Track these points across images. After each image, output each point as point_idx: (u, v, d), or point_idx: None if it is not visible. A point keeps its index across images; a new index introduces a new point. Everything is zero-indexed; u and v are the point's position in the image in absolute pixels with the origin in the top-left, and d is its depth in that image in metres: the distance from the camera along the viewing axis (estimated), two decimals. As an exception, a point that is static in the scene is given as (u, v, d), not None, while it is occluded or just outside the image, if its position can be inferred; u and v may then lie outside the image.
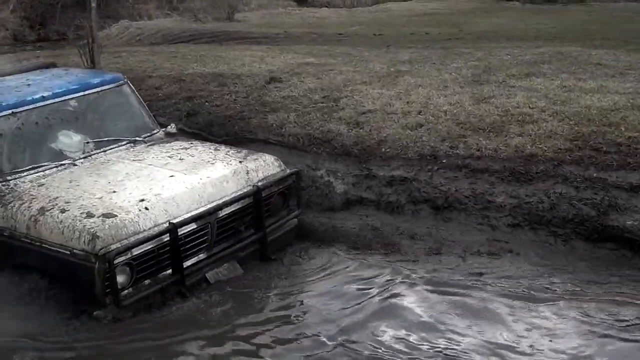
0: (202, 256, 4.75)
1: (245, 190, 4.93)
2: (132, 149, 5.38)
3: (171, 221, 4.48)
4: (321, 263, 5.30)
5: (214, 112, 8.03)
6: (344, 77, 9.18)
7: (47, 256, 4.38)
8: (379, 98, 7.79)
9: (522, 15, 21.08)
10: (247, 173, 5.07)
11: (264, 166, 5.20)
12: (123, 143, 5.43)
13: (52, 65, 6.33)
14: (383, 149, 6.49)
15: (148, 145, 5.47)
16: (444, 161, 6.06)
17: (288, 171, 5.29)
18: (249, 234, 5.03)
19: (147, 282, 4.46)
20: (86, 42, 10.11)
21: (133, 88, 5.89)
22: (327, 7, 30.32)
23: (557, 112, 6.51)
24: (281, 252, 5.34)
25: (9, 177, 4.85)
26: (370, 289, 4.82)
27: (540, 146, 5.87)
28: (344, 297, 4.75)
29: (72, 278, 4.32)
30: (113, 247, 4.20)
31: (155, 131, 5.73)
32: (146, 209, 4.47)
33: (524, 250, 5.12)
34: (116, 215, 4.36)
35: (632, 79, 7.68)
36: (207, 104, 8.37)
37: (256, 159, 5.24)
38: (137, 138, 5.53)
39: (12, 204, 4.63)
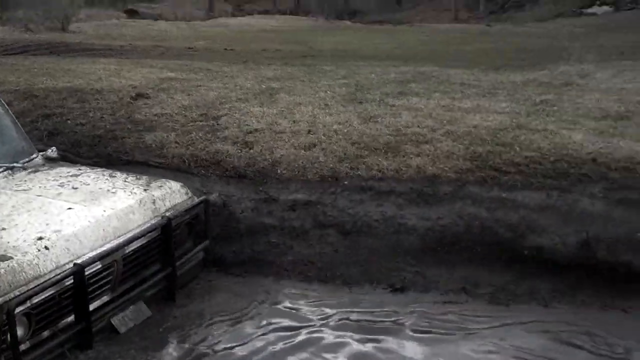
0: (105, 299, 4.17)
1: (153, 222, 4.42)
2: (11, 178, 4.67)
3: (76, 261, 3.88)
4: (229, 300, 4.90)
5: (79, 132, 7.30)
6: (216, 93, 8.79)
7: None
8: (262, 116, 7.49)
9: (361, 34, 21.76)
10: (154, 202, 4.56)
11: (171, 194, 4.72)
12: (-1, 170, 4.70)
13: None
14: (279, 171, 6.19)
15: (29, 173, 4.77)
16: (346, 183, 5.88)
17: (196, 199, 4.84)
18: (156, 270, 4.51)
19: (46, 333, 3.82)
20: None
21: (5, 105, 5.15)
22: (157, 19, 29.53)
23: (449, 131, 6.58)
24: (187, 287, 4.86)
25: None
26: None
27: (441, 166, 5.87)
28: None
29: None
30: (12, 295, 3.55)
31: (33, 156, 5.03)
32: (46, 248, 3.84)
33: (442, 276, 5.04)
34: (12, 258, 3.70)
35: (504, 99, 8.01)
36: (69, 122, 7.60)
37: (161, 186, 4.74)
38: (14, 164, 4.81)
39: None
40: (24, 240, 3.85)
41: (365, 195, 5.69)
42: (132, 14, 31.86)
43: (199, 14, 33.38)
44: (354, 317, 4.66)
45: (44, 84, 9.36)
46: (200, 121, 7.50)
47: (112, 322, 4.15)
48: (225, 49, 15.42)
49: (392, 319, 4.62)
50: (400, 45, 16.49)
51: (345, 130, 6.85)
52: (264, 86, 9.38)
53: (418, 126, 6.83)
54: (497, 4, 30.73)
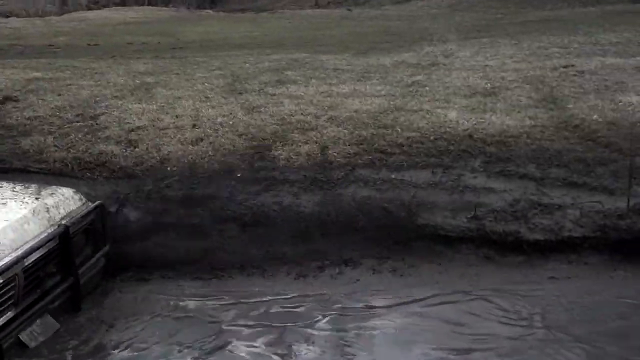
0: (10, 314, 4.01)
1: (50, 231, 4.29)
2: None
3: (-25, 279, 3.72)
4: (137, 304, 4.85)
5: (-58, 141, 6.86)
6: (89, 92, 8.52)
7: None
8: (142, 113, 7.36)
9: (225, 23, 21.67)
10: (48, 211, 4.42)
11: (64, 201, 4.58)
12: None
13: None
14: (168, 168, 6.14)
15: None
16: (239, 175, 5.94)
17: (90, 205, 4.73)
18: (58, 280, 4.38)
19: (-50, 356, 3.65)
20: None
21: None
22: (8, 16, 27.97)
23: (332, 117, 6.79)
24: (92, 294, 4.76)
25: None
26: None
27: (330, 152, 6.06)
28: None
29: None
30: None
31: None
32: (-58, 268, 3.66)
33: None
34: None
35: (378, 82, 8.33)
36: None
37: (53, 193, 4.59)
38: None
39: None
40: None
41: (260, 187, 5.77)
42: (-26, 11, 29.87)
43: (52, 8, 31.84)
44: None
45: None
46: (78, 122, 7.26)
47: (21, 337, 4.00)
48: (89, 44, 14.89)
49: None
50: (267, 33, 16.60)
51: (231, 122, 6.89)
52: (138, 81, 9.19)
53: (302, 114, 6.98)
54: (355, -13, 31.47)
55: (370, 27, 17.20)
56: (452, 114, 6.57)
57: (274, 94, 7.91)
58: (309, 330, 4.42)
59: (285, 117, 6.90)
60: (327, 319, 4.57)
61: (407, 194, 5.40)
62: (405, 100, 7.27)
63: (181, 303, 4.93)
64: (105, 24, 21.53)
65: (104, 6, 34.36)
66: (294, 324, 4.50)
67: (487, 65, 8.85)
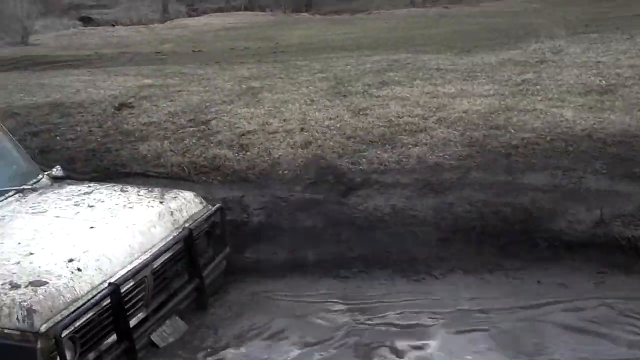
0: (141, 316, 4.19)
1: (176, 234, 4.44)
2: (23, 200, 4.63)
3: (110, 281, 3.89)
4: (258, 303, 4.95)
5: (72, 147, 7.24)
6: (199, 97, 8.77)
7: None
8: (252, 118, 7.51)
9: (322, 26, 21.76)
10: (172, 214, 4.58)
11: (186, 204, 4.74)
12: (10, 194, 4.66)
13: None
14: (280, 171, 6.25)
15: (40, 194, 4.74)
16: (349, 178, 5.96)
17: (211, 207, 4.86)
18: (184, 282, 4.54)
19: (91, 355, 3.83)
20: None
21: (5, 129, 5.11)
22: (113, 25, 29.13)
23: (440, 118, 6.70)
24: (215, 296, 4.90)
25: None
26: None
27: (440, 155, 5.99)
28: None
29: (4, 364, 3.59)
30: (56, 320, 3.55)
31: (39, 176, 5.00)
32: (79, 269, 3.85)
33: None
34: (47, 282, 3.69)
35: (485, 81, 8.15)
36: (58, 138, 7.53)
37: (175, 197, 4.76)
38: (24, 187, 4.78)
39: None
40: (55, 263, 3.85)
41: (372, 189, 5.77)
42: (87, 21, 31.34)
43: (154, 16, 32.93)
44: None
45: (22, 100, 9.22)
46: (191, 127, 7.49)
47: (152, 338, 4.17)
48: (193, 51, 15.33)
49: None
50: (364, 34, 16.56)
51: (338, 125, 6.92)
52: (244, 86, 9.38)
53: (409, 115, 6.93)
54: (451, -15, 30.92)
55: (471, 25, 16.88)
56: (568, 113, 6.35)
57: (379, 96, 7.88)
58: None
59: (393, 118, 6.87)
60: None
61: (525, 198, 5.26)
62: (516, 100, 7.08)
63: (298, 303, 4.98)
64: (206, 30, 22.09)
65: (203, 12, 35.26)
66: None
67: (599, 62, 8.50)
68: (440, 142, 6.19)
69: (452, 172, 5.72)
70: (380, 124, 6.81)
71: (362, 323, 4.62)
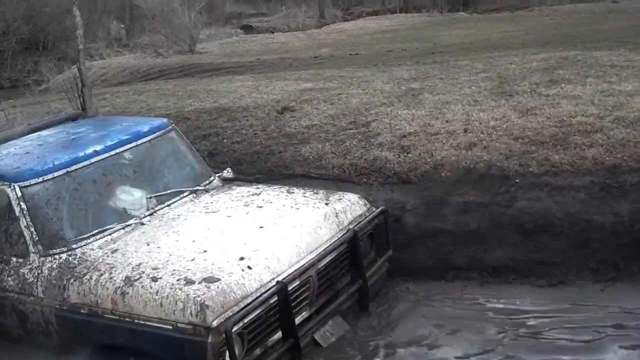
0: (305, 314, 4.23)
1: (340, 236, 4.44)
2: (197, 200, 4.84)
3: (278, 279, 3.95)
4: (419, 305, 4.84)
5: (237, 150, 7.50)
6: (359, 100, 8.79)
7: (142, 333, 3.80)
8: (412, 119, 7.40)
9: (481, 25, 21.20)
10: (337, 216, 4.59)
11: (351, 206, 4.73)
12: (185, 194, 4.89)
13: (81, 115, 5.74)
14: (443, 174, 6.08)
15: (212, 195, 4.93)
16: (517, 181, 5.69)
17: (375, 210, 4.82)
18: (347, 283, 4.53)
19: (257, 351, 3.91)
20: (71, 86, 9.48)
21: (181, 133, 5.36)
22: (272, 32, 30.09)
23: (618, 118, 6.24)
24: (377, 296, 4.85)
25: (74, 246, 4.25)
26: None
27: (619, 156, 5.56)
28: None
29: (175, 357, 3.75)
30: (226, 316, 3.65)
31: (211, 178, 5.20)
32: (249, 267, 3.94)
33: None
34: (219, 279, 3.81)
35: (666, 78, 7.52)
36: (225, 141, 7.83)
37: (340, 199, 4.76)
38: (197, 188, 4.99)
39: (87, 276, 4.03)
40: (227, 261, 3.96)
41: (542, 193, 5.47)
42: (248, 29, 32.69)
43: (311, 22, 33.68)
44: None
45: (192, 106, 9.72)
46: (351, 129, 7.51)
47: (315, 337, 4.19)
48: (351, 54, 15.47)
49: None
50: (528, 32, 15.92)
51: (504, 126, 6.64)
52: (403, 88, 9.28)
53: (582, 115, 6.51)
54: (620, -23, 29.04)
55: (644, 19, 15.74)
56: None
57: (548, 95, 7.49)
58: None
59: (564, 118, 6.49)
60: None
61: None
62: None
63: (459, 306, 4.82)
64: (362, 33, 22.26)
65: (358, 16, 35.59)
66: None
67: None
68: (618, 143, 5.75)
69: (632, 174, 5.29)
70: (551, 124, 6.45)
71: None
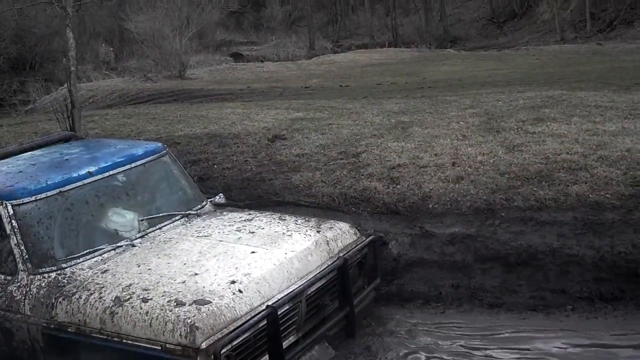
0: (292, 339, 4.26)
1: (330, 263, 4.50)
2: (189, 224, 4.88)
3: (268, 304, 4.00)
4: (404, 336, 4.89)
5: (228, 176, 7.58)
6: (349, 130, 8.92)
7: (130, 353, 3.82)
8: (402, 151, 7.52)
9: (469, 62, 21.56)
10: (327, 243, 4.65)
11: (342, 235, 4.79)
12: (177, 218, 4.93)
13: (74, 136, 5.78)
14: (430, 205, 6.19)
15: (204, 219, 4.97)
16: (502, 215, 5.80)
17: (364, 239, 4.89)
18: (334, 310, 4.58)
19: (244, 374, 3.94)
20: (60, 107, 9.57)
21: (174, 157, 5.42)
22: (262, 61, 30.34)
23: (601, 157, 6.40)
24: (363, 323, 4.90)
25: (64, 265, 4.27)
26: None
27: (602, 193, 5.70)
28: None
29: (163, 377, 3.76)
30: (216, 338, 3.69)
31: (203, 203, 5.25)
32: (240, 291, 3.98)
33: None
34: (210, 302, 3.85)
35: (648, 120, 7.71)
36: (215, 167, 7.91)
37: (331, 227, 4.83)
38: (190, 212, 5.04)
39: (77, 296, 4.05)
40: (218, 284, 4.00)
41: (526, 227, 5.59)
42: (238, 57, 32.96)
43: (301, 52, 34.10)
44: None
45: (182, 131, 9.80)
46: (341, 159, 7.62)
47: (301, 361, 4.23)
48: (341, 86, 15.67)
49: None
50: (514, 70, 16.23)
51: (491, 161, 6.78)
52: (393, 120, 9.43)
53: (567, 153, 6.67)
54: (605, 22, 29.71)
55: (628, 62, 16.09)
56: None
57: (534, 132, 7.66)
58: None
59: (550, 156, 6.64)
60: None
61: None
62: (687, 139, 6.64)
63: (444, 338, 4.88)
64: (352, 66, 22.54)
65: (348, 49, 36.04)
66: None
67: None
68: (601, 181, 5.89)
69: (614, 212, 5.42)
70: (537, 160, 6.60)
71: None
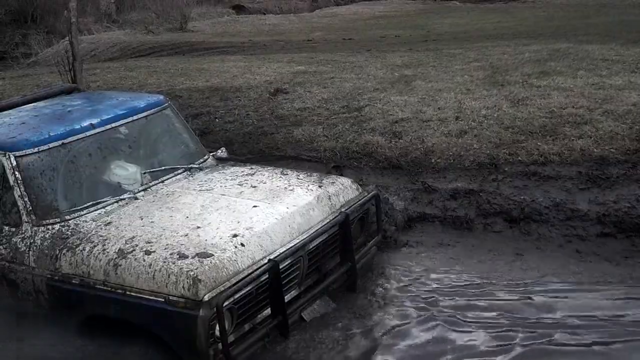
0: (294, 293, 4.29)
1: (332, 218, 4.49)
2: (191, 178, 4.86)
3: (270, 258, 4.00)
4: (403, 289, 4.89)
5: (230, 129, 7.54)
6: (352, 84, 8.84)
7: (133, 305, 3.83)
8: (405, 105, 7.47)
9: (475, 14, 21.20)
10: (329, 199, 4.63)
11: (344, 190, 4.77)
12: (179, 172, 4.91)
13: (76, 89, 5.73)
14: (433, 160, 6.16)
15: (207, 173, 4.95)
16: (506, 169, 5.78)
17: (366, 194, 4.87)
18: (336, 265, 4.59)
19: (246, 326, 3.97)
20: (61, 60, 9.45)
21: (176, 111, 5.38)
22: (264, 13, 29.87)
23: (607, 111, 6.35)
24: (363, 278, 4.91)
25: (67, 217, 4.27)
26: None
27: (606, 148, 5.66)
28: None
29: (165, 329, 3.79)
30: (218, 291, 3.70)
31: (206, 157, 5.22)
32: (242, 245, 3.98)
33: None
34: (212, 255, 3.85)
35: (656, 73, 7.62)
36: (217, 120, 7.87)
37: (334, 182, 4.80)
38: (192, 166, 5.02)
39: (80, 247, 4.06)
40: (220, 238, 4.00)
41: (530, 182, 5.57)
42: (239, 9, 32.44)
43: (304, 5, 33.47)
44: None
45: (184, 84, 9.72)
46: (343, 113, 7.56)
47: (302, 314, 4.25)
48: (344, 39, 15.45)
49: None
50: (521, 23, 15.97)
51: (495, 115, 6.73)
52: (396, 74, 9.34)
53: (572, 107, 6.61)
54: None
55: (636, 15, 15.81)
56: None
57: (539, 86, 7.58)
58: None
59: (555, 109, 6.58)
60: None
61: None
62: (694, 93, 6.56)
63: (441, 294, 4.86)
64: (355, 19, 22.18)
65: (352, 1, 35.41)
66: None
67: None
68: (606, 135, 5.85)
69: (619, 166, 5.39)
70: (541, 114, 6.55)
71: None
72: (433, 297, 4.67)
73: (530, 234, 5.25)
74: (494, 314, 4.39)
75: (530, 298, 4.51)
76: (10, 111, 5.02)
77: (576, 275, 4.72)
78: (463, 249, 5.26)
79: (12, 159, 4.28)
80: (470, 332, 4.26)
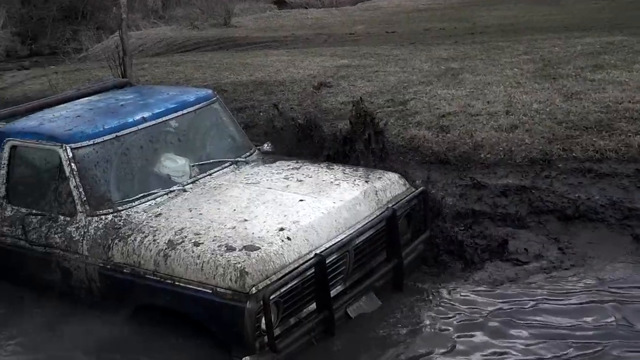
0: (340, 288, 4.22)
1: (379, 214, 4.41)
2: (238, 171, 4.84)
3: (316, 252, 3.95)
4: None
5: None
6: (396, 78, 8.73)
7: (181, 295, 3.84)
8: (452, 99, 7.34)
9: (522, 6, 20.70)
10: (376, 194, 4.55)
11: (391, 185, 4.68)
12: (227, 165, 4.90)
13: (128, 83, 5.79)
14: (482, 155, 6.03)
15: (253, 167, 4.92)
16: (559, 166, 5.61)
17: (414, 190, 4.77)
18: (383, 261, 4.50)
19: (292, 320, 3.92)
20: (112, 55, 9.54)
21: (224, 105, 5.37)
22: (306, 7, 29.79)
23: (666, 106, 6.12)
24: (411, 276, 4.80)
25: (120, 208, 4.30)
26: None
27: (666, 145, 5.46)
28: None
29: (212, 320, 3.78)
30: (265, 284, 3.66)
31: (252, 150, 5.19)
32: (288, 239, 3.93)
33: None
34: (259, 248, 3.82)
35: None
36: (262, 114, 7.84)
37: (380, 177, 4.72)
38: (239, 159, 4.99)
39: (132, 238, 4.08)
40: (267, 231, 3.96)
41: (585, 179, 5.39)
42: (281, 4, 32.47)
43: (345, -2, 33.35)
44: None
45: (229, 78, 9.73)
46: (389, 107, 7.47)
47: (348, 310, 4.18)
48: (387, 32, 15.31)
49: None
50: (571, 15, 15.57)
51: (548, 109, 6.56)
52: (442, 67, 9.20)
53: (629, 101, 6.41)
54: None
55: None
56: None
57: (593, 80, 7.37)
58: None
59: (610, 104, 6.39)
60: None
61: None
62: None
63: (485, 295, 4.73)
64: (398, 11, 21.94)
65: (395, -6, 35.09)
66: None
67: None
68: (666, 131, 5.64)
69: (679, 164, 5.19)
70: (596, 109, 6.36)
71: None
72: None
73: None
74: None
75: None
76: (66, 104, 5.13)
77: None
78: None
79: (69, 150, 4.37)
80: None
